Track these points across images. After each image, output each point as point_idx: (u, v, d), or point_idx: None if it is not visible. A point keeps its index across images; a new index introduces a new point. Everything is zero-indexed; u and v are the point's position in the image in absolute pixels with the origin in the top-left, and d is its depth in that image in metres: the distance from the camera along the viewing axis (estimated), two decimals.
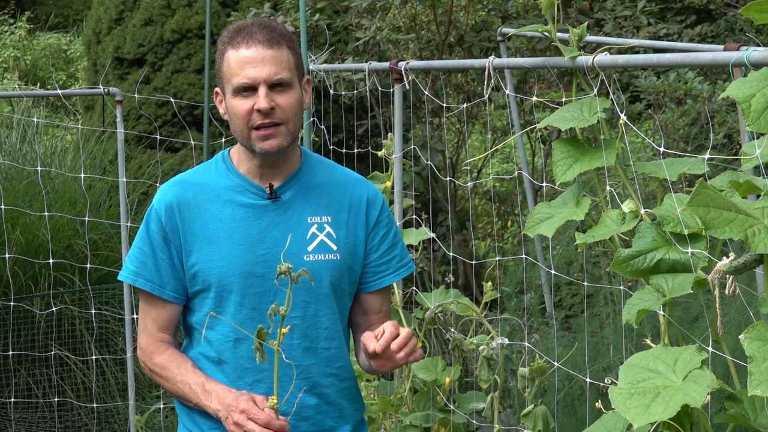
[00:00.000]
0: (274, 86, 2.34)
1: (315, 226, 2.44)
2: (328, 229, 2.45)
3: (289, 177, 2.45)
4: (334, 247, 2.45)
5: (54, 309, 5.37)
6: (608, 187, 2.49)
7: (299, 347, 2.42)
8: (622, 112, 2.40)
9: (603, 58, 2.53)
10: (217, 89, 2.45)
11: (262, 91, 2.33)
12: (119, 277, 2.50)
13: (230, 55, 2.36)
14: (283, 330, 2.11)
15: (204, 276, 2.41)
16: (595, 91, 2.52)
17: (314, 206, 2.45)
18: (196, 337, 2.47)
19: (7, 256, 5.35)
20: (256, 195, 2.43)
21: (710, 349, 2.03)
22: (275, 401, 2.17)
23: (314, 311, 2.43)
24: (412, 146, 4.84)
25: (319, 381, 2.45)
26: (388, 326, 2.31)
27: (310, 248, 2.42)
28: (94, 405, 5.48)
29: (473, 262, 4.27)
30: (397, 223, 3.82)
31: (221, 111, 2.44)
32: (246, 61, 2.34)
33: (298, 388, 2.36)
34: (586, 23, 2.73)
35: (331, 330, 2.46)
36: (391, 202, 3.89)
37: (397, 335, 2.29)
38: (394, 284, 3.63)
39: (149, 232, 2.43)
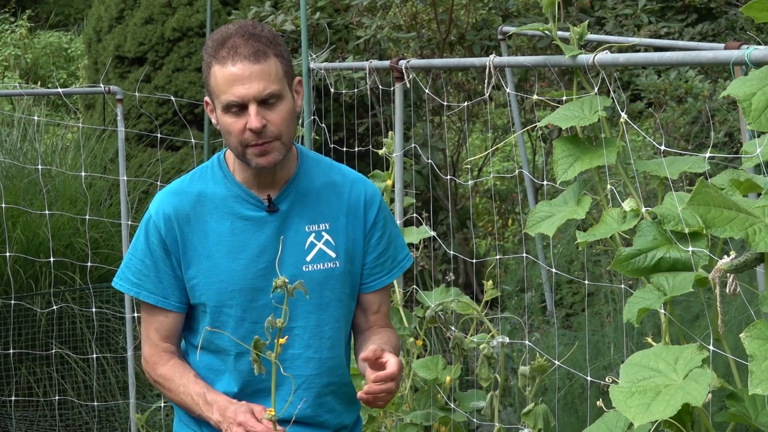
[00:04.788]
0: (264, 101, 2.26)
1: (313, 235, 2.40)
2: (326, 236, 2.41)
3: (286, 185, 2.40)
4: (333, 255, 2.41)
5: (55, 307, 5.37)
6: (609, 186, 2.49)
7: (301, 357, 2.39)
8: (622, 111, 2.39)
9: (604, 56, 2.53)
10: (206, 99, 2.37)
11: (252, 109, 2.24)
12: (118, 287, 2.43)
13: (216, 71, 2.26)
14: (281, 340, 2.10)
15: (202, 290, 2.37)
16: (596, 89, 2.52)
17: (311, 214, 2.41)
18: (197, 348, 2.44)
19: (7, 254, 5.35)
20: (254, 206, 2.38)
21: (711, 347, 2.02)
22: (273, 413, 2.17)
23: (316, 321, 2.40)
24: (413, 145, 4.85)
25: (321, 391, 2.43)
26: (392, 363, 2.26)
27: (308, 258, 2.39)
28: (95, 403, 5.48)
29: (474, 260, 4.27)
30: (398, 222, 3.82)
31: (213, 120, 2.37)
32: (233, 78, 2.24)
33: (299, 398, 2.36)
34: (586, 22, 2.73)
35: (334, 339, 2.44)
36: (392, 201, 3.89)
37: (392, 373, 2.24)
38: (395, 282, 3.63)
39: (149, 245, 2.38)
